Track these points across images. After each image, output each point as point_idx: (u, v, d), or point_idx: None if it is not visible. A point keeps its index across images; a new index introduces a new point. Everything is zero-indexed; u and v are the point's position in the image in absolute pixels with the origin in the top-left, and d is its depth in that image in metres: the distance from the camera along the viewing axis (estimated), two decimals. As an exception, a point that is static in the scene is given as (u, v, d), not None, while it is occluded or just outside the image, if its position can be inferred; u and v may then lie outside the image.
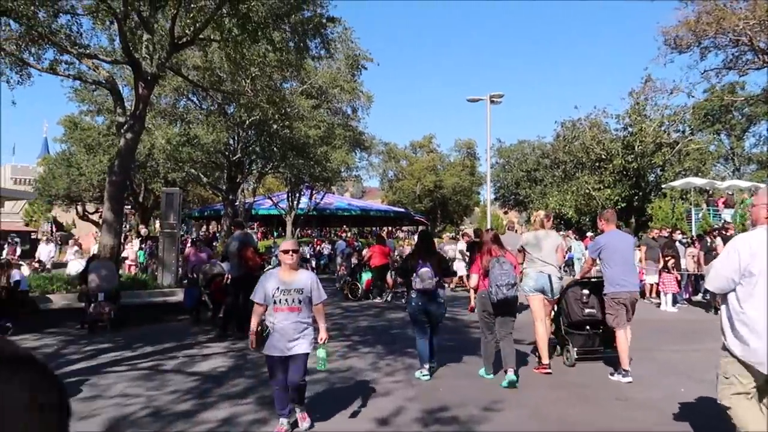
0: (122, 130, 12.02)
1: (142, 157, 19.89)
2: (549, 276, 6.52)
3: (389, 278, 11.09)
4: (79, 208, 37.39)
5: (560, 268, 6.90)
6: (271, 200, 36.48)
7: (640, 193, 30.76)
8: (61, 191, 38.84)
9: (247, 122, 19.18)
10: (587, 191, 31.34)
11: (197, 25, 11.79)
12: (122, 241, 14.32)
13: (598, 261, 6.45)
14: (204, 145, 18.67)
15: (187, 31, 12.04)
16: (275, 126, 19.17)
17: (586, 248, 12.23)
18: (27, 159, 48.41)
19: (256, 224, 47.45)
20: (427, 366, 6.25)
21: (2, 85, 11.65)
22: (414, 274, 6.10)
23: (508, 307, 6.03)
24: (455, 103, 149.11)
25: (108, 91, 12.80)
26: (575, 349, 6.69)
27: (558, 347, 7.05)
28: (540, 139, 44.57)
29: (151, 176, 31.03)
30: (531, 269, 6.63)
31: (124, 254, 14.96)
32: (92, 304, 9.16)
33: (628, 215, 32.03)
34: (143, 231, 29.46)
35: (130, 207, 42.64)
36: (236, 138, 20.44)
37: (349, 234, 38.77)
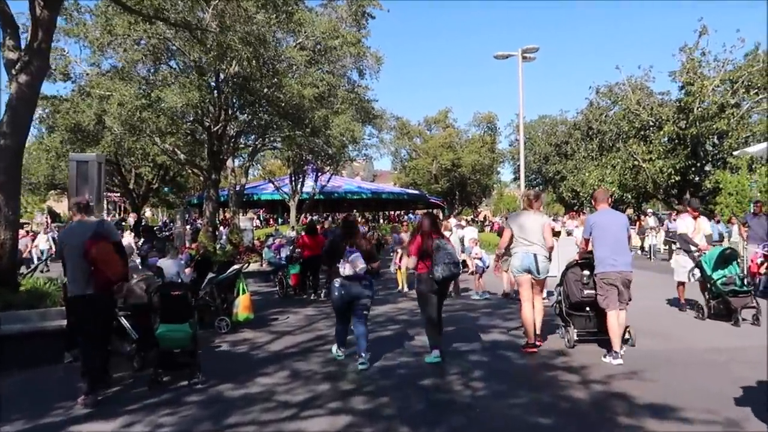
0: (14, 71, 8.15)
1: (90, 126, 15.96)
2: (534, 255, 6.42)
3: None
4: (73, 197, 33.38)
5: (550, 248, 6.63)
6: (273, 184, 33.03)
7: (698, 164, 26.45)
8: (42, 179, 35.48)
9: (222, 77, 15.13)
10: (635, 163, 27.08)
11: None
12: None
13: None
14: (170, 109, 14.72)
15: None
16: (260, 85, 15.16)
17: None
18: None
19: (261, 211, 44.04)
20: (343, 349, 6.18)
21: None
22: (341, 261, 5.89)
23: (447, 287, 6.46)
24: (473, 74, 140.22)
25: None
26: (575, 330, 6.54)
27: (561, 328, 6.84)
28: (563, 114, 42.31)
29: (140, 159, 27.59)
30: (517, 249, 6.54)
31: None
32: None
33: (682, 190, 27.72)
34: (131, 219, 25.80)
35: (119, 194, 39.40)
36: (214, 103, 16.37)
37: (361, 220, 34.95)
